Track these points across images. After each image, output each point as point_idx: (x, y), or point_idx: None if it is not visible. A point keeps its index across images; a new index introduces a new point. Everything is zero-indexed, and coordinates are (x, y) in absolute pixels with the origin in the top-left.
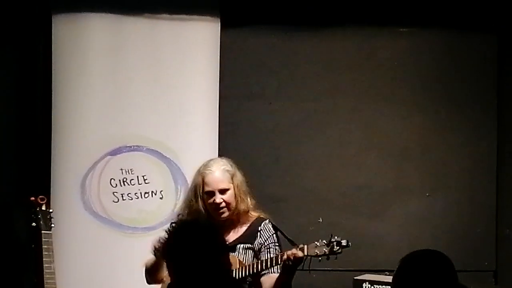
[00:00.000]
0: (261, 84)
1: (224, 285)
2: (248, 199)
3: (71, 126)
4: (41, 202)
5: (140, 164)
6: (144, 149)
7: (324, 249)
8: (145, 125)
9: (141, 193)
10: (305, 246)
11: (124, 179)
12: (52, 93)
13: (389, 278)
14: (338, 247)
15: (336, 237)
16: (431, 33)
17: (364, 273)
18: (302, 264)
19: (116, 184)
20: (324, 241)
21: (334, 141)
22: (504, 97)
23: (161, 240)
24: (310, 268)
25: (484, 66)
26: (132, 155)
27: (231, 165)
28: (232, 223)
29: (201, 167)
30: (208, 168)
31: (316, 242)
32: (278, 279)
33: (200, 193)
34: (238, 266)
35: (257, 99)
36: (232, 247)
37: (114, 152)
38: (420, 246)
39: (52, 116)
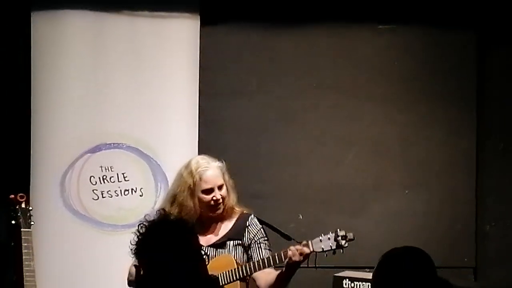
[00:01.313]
0: (241, 81)
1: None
2: (235, 196)
3: (50, 123)
4: (21, 200)
5: (119, 161)
6: (124, 146)
7: (330, 244)
8: (124, 123)
9: (121, 190)
10: (310, 242)
11: (104, 177)
12: (31, 90)
13: (369, 275)
14: (344, 241)
15: (339, 231)
16: (411, 30)
17: (344, 270)
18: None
19: (96, 182)
20: (328, 235)
21: (314, 138)
22: (484, 94)
23: (136, 235)
24: (316, 265)
25: (463, 63)
26: (112, 152)
27: (219, 161)
28: (219, 218)
29: (191, 167)
30: (204, 166)
31: (319, 237)
32: (280, 275)
33: (195, 191)
34: (236, 266)
35: (237, 96)
36: (222, 243)
37: (93, 150)
38: (400, 242)
39: (31, 114)
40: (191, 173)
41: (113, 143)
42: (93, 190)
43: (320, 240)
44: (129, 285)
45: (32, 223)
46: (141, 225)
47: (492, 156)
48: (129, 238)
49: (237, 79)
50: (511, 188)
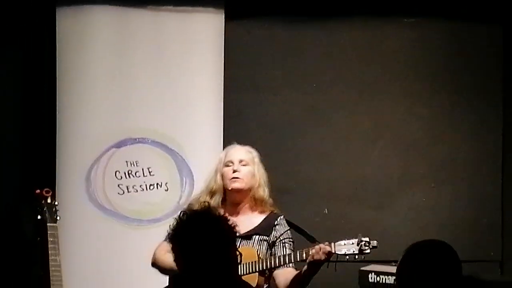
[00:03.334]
0: (266, 75)
1: (229, 279)
2: (267, 191)
3: (76, 119)
4: (47, 195)
5: (145, 156)
6: (149, 141)
7: (353, 248)
8: (150, 118)
9: (146, 185)
10: (332, 244)
11: (129, 171)
12: (57, 86)
13: (395, 269)
14: (366, 248)
15: (362, 237)
16: (436, 23)
17: (370, 264)
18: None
19: (121, 177)
20: (352, 240)
21: (340, 132)
22: (510, 87)
23: (171, 227)
24: (336, 267)
25: (489, 57)
26: (137, 147)
27: (252, 149)
28: (248, 210)
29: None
30: (231, 147)
31: (343, 241)
32: (300, 274)
33: (220, 168)
34: (257, 259)
35: (262, 90)
36: (248, 236)
37: (119, 145)
38: (426, 236)
39: (57, 109)
40: (220, 156)
41: (138, 138)
42: (118, 185)
43: (344, 244)
44: (153, 266)
45: (58, 218)
46: (184, 212)
47: None
48: (154, 232)
49: (262, 74)
50: None
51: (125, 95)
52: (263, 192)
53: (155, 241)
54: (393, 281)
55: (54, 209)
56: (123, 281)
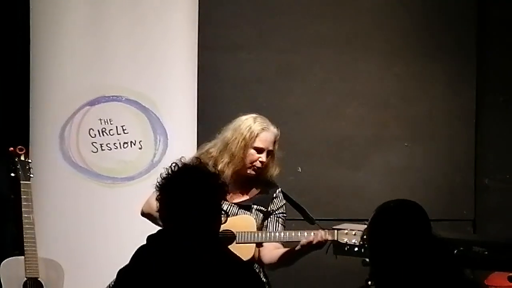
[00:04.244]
0: (241, 34)
1: (208, 235)
2: (278, 169)
3: (49, 76)
4: (20, 153)
5: (119, 114)
6: (123, 99)
7: (354, 240)
8: (124, 75)
9: (120, 143)
10: (335, 232)
11: (103, 129)
12: (30, 43)
13: None
14: None
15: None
16: None
17: (343, 223)
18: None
19: (95, 134)
20: (355, 232)
21: (314, 91)
22: (483, 46)
23: (163, 175)
24: (336, 254)
25: (463, 15)
26: (111, 105)
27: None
28: (251, 181)
29: (251, 121)
30: (265, 126)
31: (345, 230)
32: (288, 253)
33: (250, 144)
34: (255, 230)
35: (237, 49)
36: (247, 206)
37: (92, 102)
38: (399, 195)
39: (31, 67)
40: (250, 127)
41: (112, 96)
42: (92, 143)
43: (346, 233)
44: (142, 215)
45: (31, 175)
46: (174, 164)
47: (492, 109)
48: (128, 190)
49: (237, 32)
50: (511, 141)
51: (99, 53)
52: (274, 170)
53: (129, 199)
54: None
55: (27, 166)
56: (97, 239)
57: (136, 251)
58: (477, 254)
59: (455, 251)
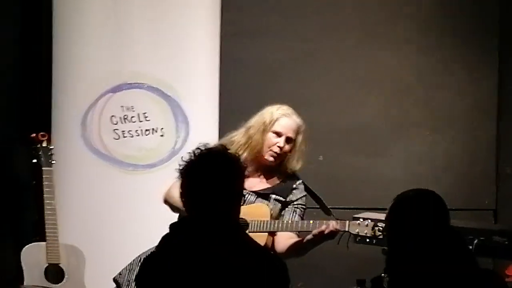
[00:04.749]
0: (263, 21)
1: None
2: (301, 162)
3: (72, 63)
4: (42, 139)
5: (141, 101)
6: (145, 86)
7: (366, 231)
8: (146, 63)
9: (141, 130)
10: (347, 222)
11: (125, 116)
12: (53, 30)
13: None
14: (380, 234)
15: (380, 223)
16: None
17: (364, 211)
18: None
19: (117, 121)
20: (367, 222)
21: (337, 79)
22: (506, 35)
23: (184, 159)
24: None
25: (486, 3)
26: (133, 92)
27: (302, 121)
28: (271, 171)
29: (275, 107)
30: (286, 113)
31: (357, 221)
32: (300, 242)
33: (268, 128)
34: (269, 219)
35: (259, 36)
36: (265, 195)
37: (114, 89)
38: (420, 184)
39: (53, 53)
40: (271, 112)
41: (135, 83)
42: (114, 130)
43: (358, 224)
44: (165, 203)
45: (53, 162)
46: (198, 148)
47: None
48: (149, 177)
49: (259, 19)
50: None
51: (122, 40)
52: (296, 163)
53: (150, 186)
54: None
55: (49, 153)
56: (118, 225)
57: (161, 240)
58: (498, 244)
59: (476, 241)
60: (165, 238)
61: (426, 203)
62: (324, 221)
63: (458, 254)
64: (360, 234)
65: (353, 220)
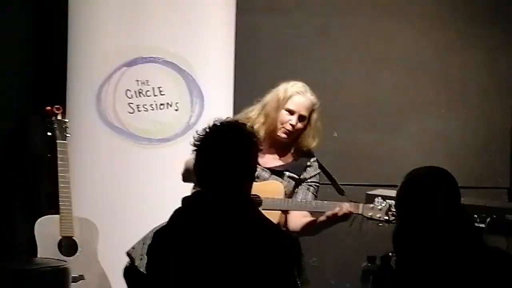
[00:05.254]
0: None
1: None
2: (316, 141)
3: (87, 36)
4: (57, 112)
5: (156, 75)
6: (160, 60)
7: (379, 214)
8: (161, 37)
9: (156, 104)
10: (361, 205)
11: (140, 90)
12: (69, 3)
13: None
14: (394, 218)
15: (393, 207)
16: None
17: (377, 188)
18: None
19: (132, 95)
20: (380, 206)
21: (351, 55)
22: None
23: (198, 133)
24: (361, 228)
25: None
26: (148, 66)
27: (316, 100)
28: (285, 148)
29: (289, 84)
30: (300, 90)
31: (371, 204)
32: (314, 222)
33: (282, 105)
34: (283, 197)
35: (274, 12)
36: (279, 172)
37: (130, 63)
38: (434, 162)
39: (69, 26)
40: (285, 89)
41: (150, 57)
42: (129, 104)
43: (372, 207)
44: (183, 180)
45: (68, 135)
46: (214, 122)
47: None
48: (164, 152)
49: None
50: None
51: (137, 14)
52: (311, 140)
53: (164, 160)
54: None
55: (64, 126)
56: (132, 199)
57: (173, 213)
58: (511, 222)
59: (489, 219)
60: (177, 212)
61: (436, 181)
62: (338, 203)
63: (466, 234)
64: (373, 217)
65: (367, 196)
